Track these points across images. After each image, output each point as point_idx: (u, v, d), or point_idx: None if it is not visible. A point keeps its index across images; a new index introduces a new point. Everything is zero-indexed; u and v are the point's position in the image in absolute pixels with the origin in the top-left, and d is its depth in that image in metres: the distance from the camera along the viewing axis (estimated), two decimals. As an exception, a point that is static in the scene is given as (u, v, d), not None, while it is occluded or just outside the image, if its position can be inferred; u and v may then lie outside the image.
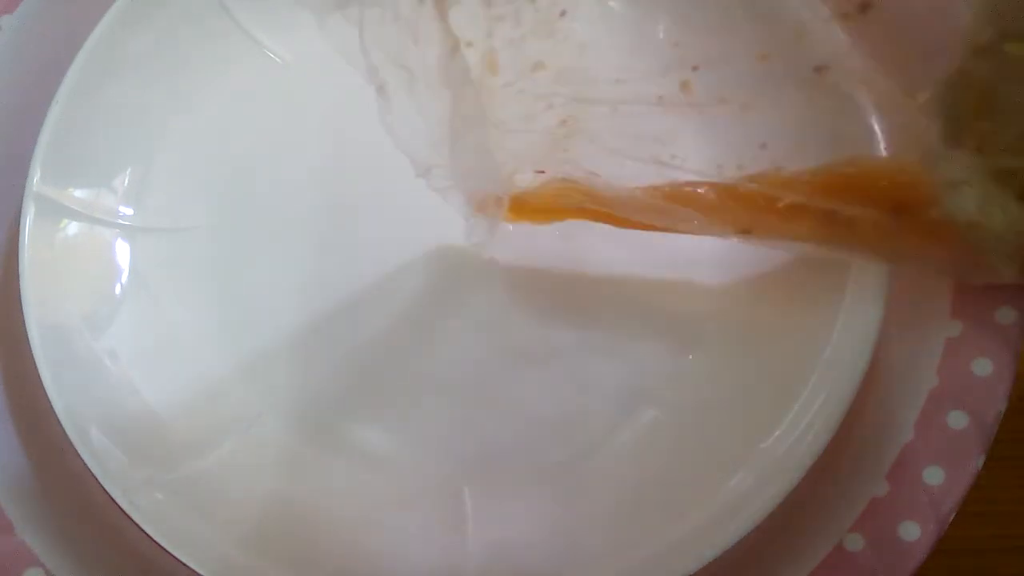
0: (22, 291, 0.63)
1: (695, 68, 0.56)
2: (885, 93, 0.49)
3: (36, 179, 0.66)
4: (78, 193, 0.68)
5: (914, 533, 0.59)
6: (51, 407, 0.60)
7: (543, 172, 0.58)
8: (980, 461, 0.60)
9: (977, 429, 0.61)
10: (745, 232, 0.55)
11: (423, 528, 0.63)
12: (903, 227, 0.53)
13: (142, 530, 0.57)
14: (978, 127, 0.47)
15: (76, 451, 0.59)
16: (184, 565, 0.56)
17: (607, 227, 0.60)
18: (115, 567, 0.63)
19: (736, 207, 0.55)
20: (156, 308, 0.68)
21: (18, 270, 0.63)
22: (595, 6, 0.57)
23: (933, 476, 0.60)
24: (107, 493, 0.58)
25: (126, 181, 0.71)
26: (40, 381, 0.60)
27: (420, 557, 0.61)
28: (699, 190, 0.55)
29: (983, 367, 0.62)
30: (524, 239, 0.65)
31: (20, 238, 0.65)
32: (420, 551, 0.61)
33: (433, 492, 0.64)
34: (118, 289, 0.68)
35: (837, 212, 0.51)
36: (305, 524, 0.62)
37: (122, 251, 0.69)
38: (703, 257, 0.66)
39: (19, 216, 0.65)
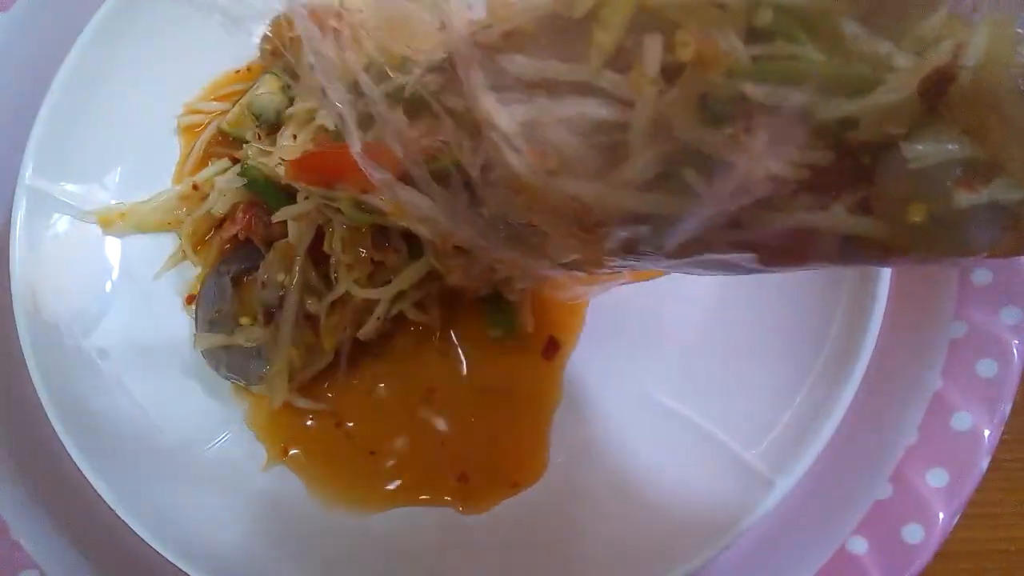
0: (12, 288, 0.63)
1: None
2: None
3: (29, 172, 0.66)
4: (70, 187, 0.68)
5: (917, 535, 0.58)
6: (41, 406, 0.60)
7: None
8: (985, 463, 0.59)
9: (982, 431, 0.60)
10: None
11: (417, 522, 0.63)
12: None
13: (134, 531, 0.57)
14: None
15: (67, 451, 0.59)
16: (175, 565, 0.56)
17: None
18: (108, 567, 0.63)
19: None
20: (147, 305, 0.68)
21: (8, 267, 0.63)
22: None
23: (937, 478, 0.60)
24: (99, 493, 0.58)
25: (117, 177, 0.71)
26: (31, 379, 0.60)
27: (416, 553, 0.61)
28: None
29: (988, 368, 0.61)
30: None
31: (11, 232, 0.65)
32: (412, 544, 0.61)
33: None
34: (109, 286, 0.68)
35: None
36: (298, 522, 0.62)
37: (112, 247, 0.69)
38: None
39: (10, 211, 0.65)
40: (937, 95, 0.32)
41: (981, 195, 0.33)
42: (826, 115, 0.33)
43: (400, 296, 0.64)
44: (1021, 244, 0.35)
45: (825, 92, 0.33)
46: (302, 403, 0.65)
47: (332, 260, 0.64)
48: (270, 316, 0.65)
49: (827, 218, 0.35)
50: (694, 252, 0.39)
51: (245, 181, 0.66)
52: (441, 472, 0.64)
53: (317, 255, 0.64)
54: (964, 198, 0.33)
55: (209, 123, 0.74)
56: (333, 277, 0.64)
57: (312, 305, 0.64)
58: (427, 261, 0.63)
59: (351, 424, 0.66)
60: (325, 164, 0.59)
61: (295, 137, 0.66)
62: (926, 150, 0.33)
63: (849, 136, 0.33)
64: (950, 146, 0.33)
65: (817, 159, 0.34)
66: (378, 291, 0.63)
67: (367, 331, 0.65)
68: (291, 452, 0.65)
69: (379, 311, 0.64)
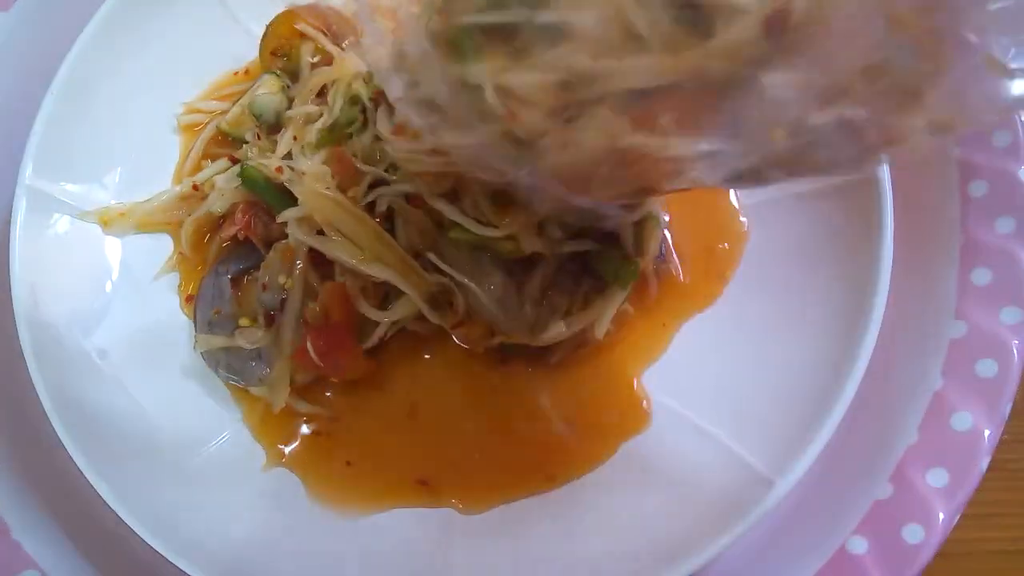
0: (12, 288, 0.63)
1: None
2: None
3: (29, 172, 0.66)
4: (70, 187, 0.68)
5: (917, 535, 0.58)
6: (41, 406, 0.60)
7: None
8: (985, 463, 0.59)
9: (982, 431, 0.60)
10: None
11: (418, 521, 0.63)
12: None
13: (134, 531, 0.57)
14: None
15: (67, 451, 0.58)
16: (175, 565, 0.56)
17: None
18: (108, 567, 0.63)
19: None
20: (147, 305, 0.68)
21: (8, 266, 0.63)
22: None
23: (937, 478, 0.60)
24: (99, 493, 0.58)
25: (117, 177, 0.71)
26: (31, 379, 0.60)
27: (413, 550, 0.61)
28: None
29: (988, 368, 0.61)
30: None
31: (11, 232, 0.65)
32: (412, 545, 0.61)
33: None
34: (109, 286, 0.68)
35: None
36: (298, 522, 0.62)
37: (112, 247, 0.69)
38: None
39: (10, 211, 0.65)
40: (781, 30, 0.36)
41: (830, 115, 0.38)
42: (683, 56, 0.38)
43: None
44: (866, 156, 0.41)
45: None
46: (302, 407, 0.65)
47: (337, 267, 0.64)
48: (271, 319, 0.65)
49: (701, 145, 0.40)
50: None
51: (241, 180, 0.66)
52: (404, 475, 0.64)
53: (318, 258, 0.64)
54: (816, 118, 0.38)
55: (209, 122, 0.74)
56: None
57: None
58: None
59: (346, 427, 0.66)
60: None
61: (295, 139, 0.66)
62: (781, 79, 0.37)
63: (712, 74, 0.38)
64: (801, 73, 0.37)
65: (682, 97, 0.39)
66: (379, 314, 0.63)
67: (368, 347, 0.65)
68: (289, 453, 0.65)
69: (380, 331, 0.64)
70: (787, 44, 0.37)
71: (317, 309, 0.62)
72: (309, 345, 0.62)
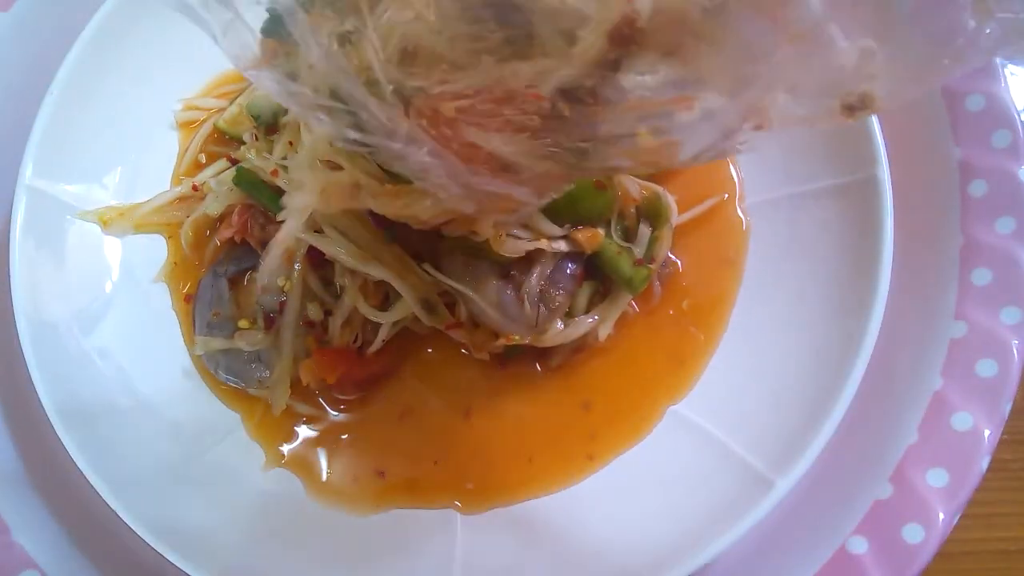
0: (12, 287, 0.63)
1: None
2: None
3: (29, 172, 0.66)
4: (70, 187, 0.68)
5: (918, 535, 0.58)
6: (42, 406, 0.60)
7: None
8: (985, 463, 0.59)
9: (982, 431, 0.60)
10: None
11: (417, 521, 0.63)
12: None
13: (134, 531, 0.57)
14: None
15: (67, 451, 0.59)
16: (175, 565, 0.56)
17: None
18: (108, 567, 0.63)
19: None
20: (147, 305, 0.69)
21: (8, 266, 0.64)
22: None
23: (937, 478, 0.60)
24: (99, 493, 0.58)
25: (117, 177, 0.71)
26: (31, 379, 0.60)
27: (413, 550, 0.61)
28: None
29: (988, 368, 0.61)
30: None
31: (11, 232, 0.65)
32: (412, 545, 0.61)
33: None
34: (109, 286, 0.68)
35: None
36: (298, 522, 0.62)
37: (112, 247, 0.69)
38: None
39: (10, 211, 0.65)
40: (628, 37, 0.35)
41: (696, 111, 0.36)
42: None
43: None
44: (729, 146, 0.39)
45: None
46: (302, 408, 0.65)
47: (337, 268, 0.64)
48: (270, 321, 0.64)
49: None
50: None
51: (236, 183, 0.66)
52: (365, 470, 0.64)
53: (315, 259, 0.64)
54: (683, 117, 0.37)
55: (206, 120, 0.74)
56: (339, 285, 0.64)
57: (312, 311, 0.64)
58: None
59: (343, 427, 0.66)
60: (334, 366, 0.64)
61: (291, 144, 0.66)
62: (640, 78, 0.36)
63: (565, 88, 0.36)
64: (659, 69, 0.36)
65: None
66: (380, 315, 0.63)
67: (372, 350, 0.65)
68: (288, 454, 0.65)
69: (382, 333, 0.64)
70: (643, 40, 0.35)
71: (311, 379, 0.63)
72: (315, 368, 0.63)
